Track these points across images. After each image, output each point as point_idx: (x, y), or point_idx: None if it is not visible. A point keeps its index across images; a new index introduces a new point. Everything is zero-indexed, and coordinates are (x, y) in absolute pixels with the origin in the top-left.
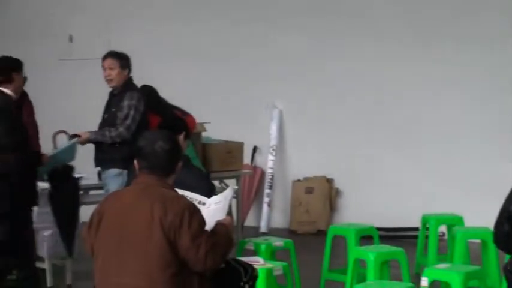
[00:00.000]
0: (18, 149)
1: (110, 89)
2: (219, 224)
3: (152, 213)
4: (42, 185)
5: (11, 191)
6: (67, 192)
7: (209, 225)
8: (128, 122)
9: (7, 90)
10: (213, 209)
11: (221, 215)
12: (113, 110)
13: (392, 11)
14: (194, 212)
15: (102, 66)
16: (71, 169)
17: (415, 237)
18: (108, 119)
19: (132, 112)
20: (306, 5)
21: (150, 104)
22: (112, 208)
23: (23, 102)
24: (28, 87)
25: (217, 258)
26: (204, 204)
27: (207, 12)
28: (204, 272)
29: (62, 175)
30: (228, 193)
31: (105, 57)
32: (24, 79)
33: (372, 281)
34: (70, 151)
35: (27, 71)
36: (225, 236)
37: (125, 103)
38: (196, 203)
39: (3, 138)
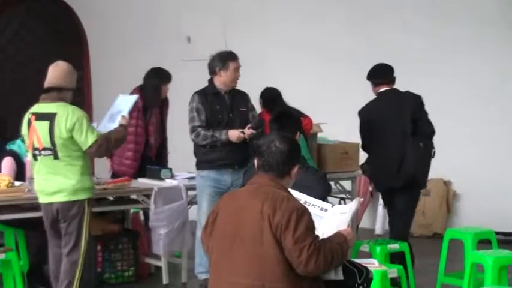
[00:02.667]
0: None
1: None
2: (338, 233)
3: (262, 213)
4: (154, 183)
5: None
6: None
7: (330, 234)
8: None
9: None
10: (338, 219)
11: (343, 226)
12: (243, 109)
13: None
14: (303, 214)
15: (234, 65)
16: None
17: None
18: (242, 118)
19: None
20: (425, 5)
21: (269, 105)
22: (226, 208)
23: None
24: None
25: (320, 265)
26: (326, 210)
27: (323, 11)
28: (306, 275)
29: None
30: (353, 205)
31: (237, 57)
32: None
33: (490, 287)
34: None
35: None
36: (339, 245)
37: (250, 103)
38: (318, 209)
39: None
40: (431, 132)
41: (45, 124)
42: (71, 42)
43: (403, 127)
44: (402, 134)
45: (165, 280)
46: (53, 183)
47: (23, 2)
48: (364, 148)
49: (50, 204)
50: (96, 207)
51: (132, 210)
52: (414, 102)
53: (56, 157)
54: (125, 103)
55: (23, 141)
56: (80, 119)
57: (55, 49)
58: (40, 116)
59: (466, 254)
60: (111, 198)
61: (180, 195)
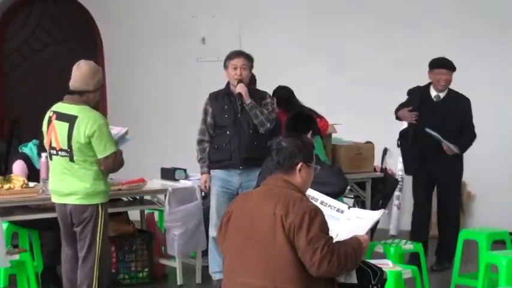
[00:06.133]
0: None
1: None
2: (354, 237)
3: (275, 213)
4: (169, 183)
5: None
6: None
7: (345, 237)
8: None
9: None
10: (355, 223)
11: (360, 232)
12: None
13: None
14: (316, 215)
15: (231, 64)
16: None
17: None
18: (251, 119)
19: None
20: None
21: (283, 104)
22: (239, 208)
23: None
24: (173, 87)
25: (333, 268)
26: (342, 212)
27: (339, 11)
28: (318, 277)
29: None
30: (375, 215)
31: (238, 55)
32: None
33: (504, 287)
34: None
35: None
36: (354, 249)
37: (266, 101)
38: (334, 210)
39: None
40: None
41: (65, 125)
42: (86, 44)
43: None
44: None
45: (179, 281)
46: (68, 184)
47: (38, 3)
48: None
49: (64, 205)
50: (110, 208)
51: (146, 211)
52: None
53: (71, 159)
54: (118, 132)
55: (35, 144)
56: (101, 127)
57: (70, 50)
58: (61, 116)
59: (480, 254)
60: (125, 199)
61: (194, 196)
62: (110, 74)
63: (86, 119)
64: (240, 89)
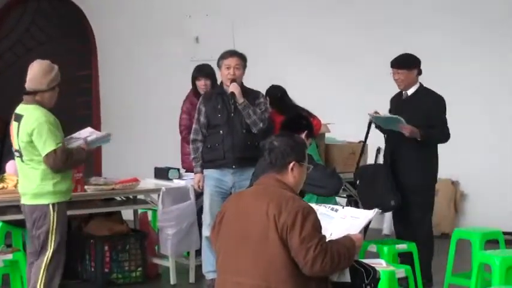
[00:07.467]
0: None
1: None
2: (347, 237)
3: (268, 213)
4: (162, 183)
5: None
6: None
7: (339, 236)
8: None
9: None
10: (349, 222)
11: (354, 231)
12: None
13: None
14: (309, 214)
15: (225, 64)
16: None
17: None
18: (243, 118)
19: None
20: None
21: (276, 103)
22: (232, 208)
23: None
24: (167, 87)
25: (326, 267)
26: (336, 211)
27: (332, 10)
28: (311, 276)
29: None
30: (369, 214)
31: (231, 55)
32: None
33: (498, 287)
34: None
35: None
36: (347, 248)
37: (259, 101)
38: (328, 209)
39: None
40: None
41: (16, 126)
42: (79, 42)
43: None
44: None
45: (172, 280)
46: (21, 184)
47: (32, 2)
48: None
49: (23, 205)
50: (103, 208)
51: (139, 211)
52: None
53: (22, 159)
54: (96, 135)
55: None
56: (42, 125)
57: (63, 49)
58: (15, 117)
59: (473, 254)
60: (118, 198)
61: (187, 196)
62: (103, 72)
63: (29, 117)
64: (233, 88)
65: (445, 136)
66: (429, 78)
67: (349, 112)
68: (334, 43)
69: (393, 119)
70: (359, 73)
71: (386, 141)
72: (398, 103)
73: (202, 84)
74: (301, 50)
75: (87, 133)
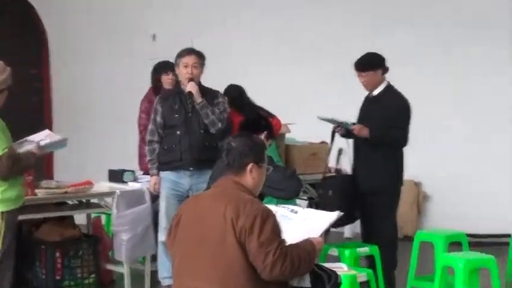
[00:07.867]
0: None
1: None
2: (307, 240)
3: (225, 216)
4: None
5: None
6: None
7: (299, 238)
8: None
9: None
10: (310, 224)
11: (315, 234)
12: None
13: None
14: (268, 217)
15: (183, 62)
16: None
17: (507, 244)
18: (201, 118)
19: None
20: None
21: (235, 103)
22: (189, 211)
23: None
24: (122, 86)
25: (286, 271)
26: (296, 212)
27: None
28: (270, 280)
29: None
30: (331, 216)
31: (189, 53)
32: None
33: None
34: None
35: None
36: (307, 252)
37: (218, 101)
38: (288, 210)
39: None
40: None
41: None
42: (31, 40)
43: None
44: None
45: (127, 287)
46: None
47: None
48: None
49: None
50: (55, 212)
51: (92, 215)
52: None
53: None
54: (51, 139)
55: None
56: None
57: (15, 47)
58: None
59: (436, 256)
60: (71, 202)
61: (143, 199)
62: (55, 71)
63: None
64: (191, 87)
65: (402, 139)
66: (395, 78)
67: (310, 112)
68: (296, 42)
69: (339, 121)
70: (323, 72)
71: (354, 141)
72: (365, 102)
73: (169, 78)
74: (260, 47)
75: (42, 136)
